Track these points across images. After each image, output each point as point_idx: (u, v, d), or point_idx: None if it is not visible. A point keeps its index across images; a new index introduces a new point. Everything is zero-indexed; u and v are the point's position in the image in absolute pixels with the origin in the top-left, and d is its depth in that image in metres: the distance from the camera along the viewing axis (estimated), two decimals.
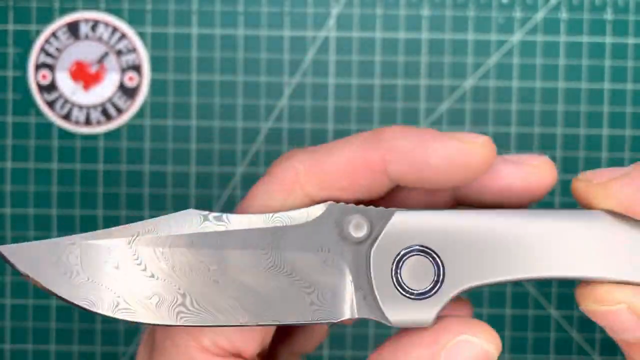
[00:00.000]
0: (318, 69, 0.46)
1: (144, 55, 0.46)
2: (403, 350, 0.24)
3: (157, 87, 0.46)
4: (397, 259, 0.24)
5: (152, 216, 0.46)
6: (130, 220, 0.46)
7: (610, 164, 0.46)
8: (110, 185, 0.46)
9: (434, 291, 0.24)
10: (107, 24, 0.46)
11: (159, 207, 0.46)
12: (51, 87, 0.46)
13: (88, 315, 0.46)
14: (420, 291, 0.24)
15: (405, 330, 0.25)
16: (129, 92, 0.46)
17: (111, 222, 0.46)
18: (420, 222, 0.24)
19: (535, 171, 0.25)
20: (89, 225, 0.46)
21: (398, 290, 0.24)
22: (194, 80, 0.46)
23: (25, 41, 0.46)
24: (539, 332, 0.46)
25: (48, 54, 0.46)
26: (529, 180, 0.24)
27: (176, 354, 0.24)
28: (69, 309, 0.46)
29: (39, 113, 0.46)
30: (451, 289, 0.24)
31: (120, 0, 0.46)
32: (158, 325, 0.23)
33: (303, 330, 0.29)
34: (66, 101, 0.46)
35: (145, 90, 0.46)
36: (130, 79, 0.46)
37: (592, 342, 0.46)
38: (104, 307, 0.23)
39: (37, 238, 0.46)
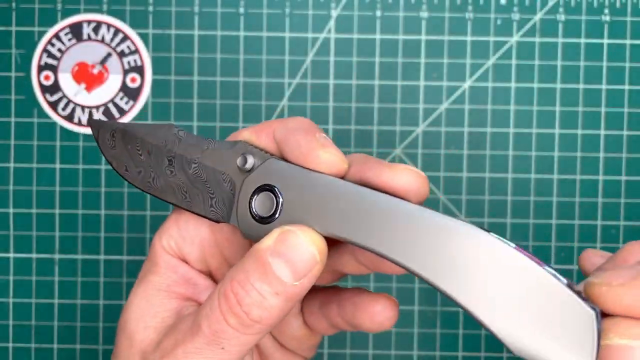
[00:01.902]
0: (318, 70, 0.46)
1: (146, 57, 0.47)
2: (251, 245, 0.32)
3: (159, 88, 0.47)
4: (255, 190, 0.31)
5: (153, 216, 0.47)
6: (132, 219, 0.47)
7: (607, 164, 0.46)
8: (113, 185, 0.46)
9: (270, 220, 0.31)
10: (109, 26, 0.46)
11: (161, 206, 0.47)
12: (54, 88, 0.47)
13: (90, 315, 0.47)
14: (261, 216, 0.31)
15: None
16: (131, 93, 0.47)
17: (114, 221, 0.46)
18: (282, 171, 0.31)
19: (402, 172, 0.30)
20: (91, 224, 0.46)
21: (250, 212, 0.31)
22: (195, 81, 0.46)
23: (28, 42, 0.46)
24: None
25: (51, 55, 0.46)
26: (396, 179, 0.30)
27: (151, 248, 0.34)
28: (71, 309, 0.47)
29: (41, 114, 0.47)
30: (283, 222, 0.30)
31: (122, 2, 0.46)
32: (136, 187, 0.34)
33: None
34: (69, 102, 0.46)
35: (148, 91, 0.47)
36: (133, 80, 0.47)
37: None
38: (121, 169, 0.34)
39: (40, 237, 0.46)
